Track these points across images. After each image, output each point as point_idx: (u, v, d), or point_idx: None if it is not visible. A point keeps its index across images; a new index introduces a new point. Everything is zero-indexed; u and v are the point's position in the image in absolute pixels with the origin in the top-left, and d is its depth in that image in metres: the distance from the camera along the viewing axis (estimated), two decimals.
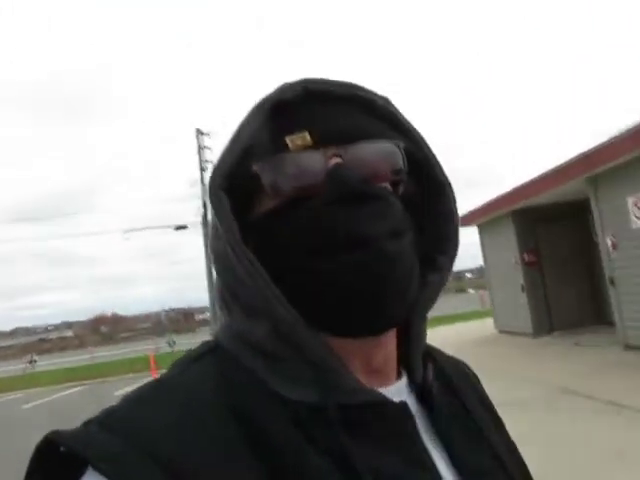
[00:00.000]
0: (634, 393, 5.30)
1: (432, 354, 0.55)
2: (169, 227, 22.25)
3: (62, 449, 0.40)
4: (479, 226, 12.59)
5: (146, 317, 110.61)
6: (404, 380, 0.50)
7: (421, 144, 0.53)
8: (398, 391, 0.48)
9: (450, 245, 0.53)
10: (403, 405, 0.46)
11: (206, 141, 21.03)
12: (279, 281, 0.45)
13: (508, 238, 11.15)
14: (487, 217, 11.70)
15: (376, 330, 0.45)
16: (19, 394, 16.87)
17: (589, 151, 7.60)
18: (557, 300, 10.63)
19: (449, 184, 0.54)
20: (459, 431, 0.50)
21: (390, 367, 0.49)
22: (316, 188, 0.45)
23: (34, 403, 13.50)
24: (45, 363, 32.24)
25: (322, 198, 0.45)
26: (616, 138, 7.00)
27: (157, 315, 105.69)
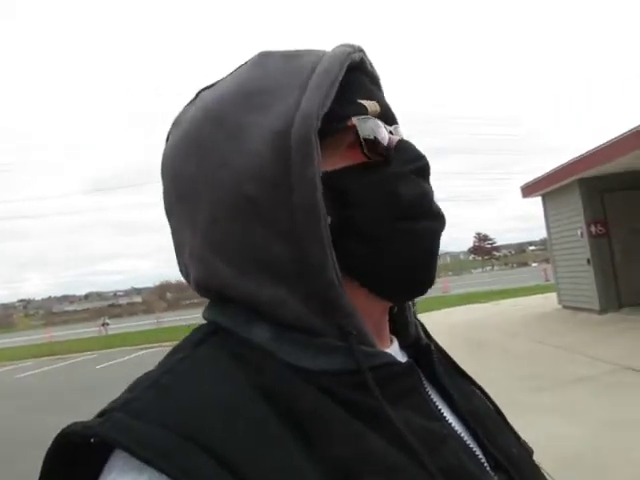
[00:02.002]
0: None
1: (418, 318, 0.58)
2: None
3: (93, 440, 0.37)
4: (543, 196, 12.06)
5: None
6: (396, 343, 0.53)
7: None
8: (395, 352, 0.50)
9: None
10: (410, 364, 0.48)
11: None
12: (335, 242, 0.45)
13: (574, 209, 10.63)
14: (552, 186, 11.17)
15: (425, 291, 0.50)
16: (94, 354, 18.06)
17: None
18: (626, 275, 10.09)
19: None
20: (453, 383, 0.53)
21: (387, 330, 0.52)
22: (387, 158, 0.48)
23: (108, 363, 14.44)
24: (116, 326, 34.21)
25: (399, 167, 0.47)
26: None
27: None
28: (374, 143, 0.47)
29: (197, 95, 0.52)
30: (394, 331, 0.54)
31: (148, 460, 0.36)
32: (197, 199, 0.47)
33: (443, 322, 11.56)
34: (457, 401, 0.51)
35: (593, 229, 10.22)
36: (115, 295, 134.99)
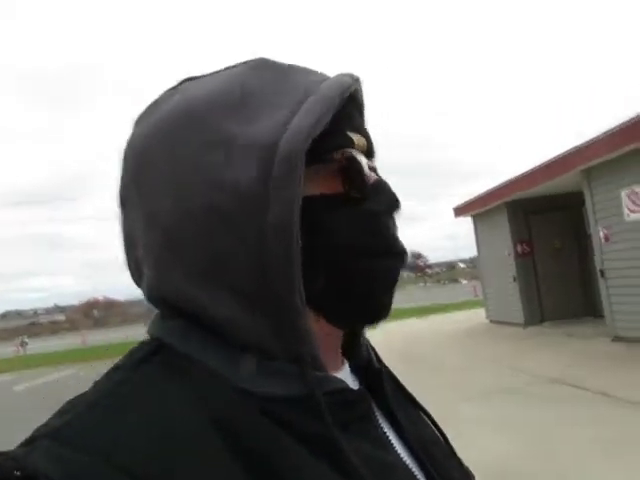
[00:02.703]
0: (621, 384, 5.38)
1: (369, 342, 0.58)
2: None
3: (17, 473, 0.33)
4: (474, 216, 12.64)
5: (140, 302, 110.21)
6: (347, 367, 0.52)
7: None
8: (346, 376, 0.49)
9: None
10: (362, 391, 0.48)
11: None
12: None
13: (502, 229, 11.21)
14: (482, 208, 11.75)
15: (381, 321, 0.49)
16: (8, 377, 16.87)
17: (584, 144, 7.63)
18: (548, 291, 10.72)
19: None
20: (401, 409, 0.52)
21: (340, 353, 0.52)
22: (365, 195, 0.47)
23: (26, 385, 13.52)
24: (37, 346, 32.19)
25: (375, 206, 0.47)
26: (610, 132, 7.02)
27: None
28: (356, 180, 0.46)
29: (180, 84, 0.49)
30: (345, 353, 0.53)
31: None
32: (162, 196, 0.43)
33: (378, 336, 11.70)
34: (405, 428, 0.50)
35: (519, 248, 10.80)
36: (36, 313, 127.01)
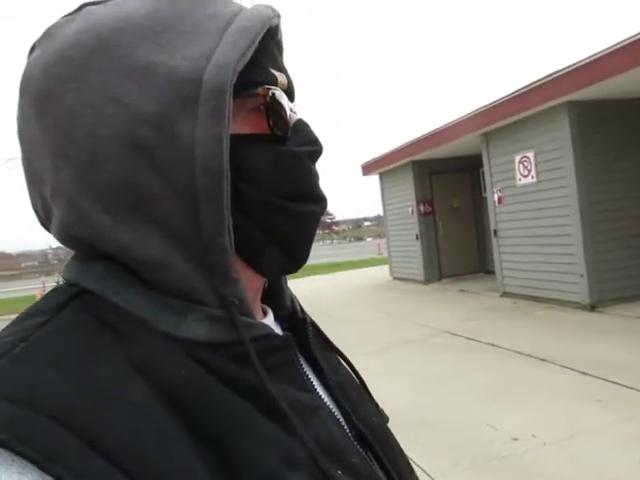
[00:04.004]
0: (505, 334, 5.90)
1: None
2: None
3: None
4: (380, 174, 12.95)
5: (31, 255, 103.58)
6: (271, 314, 0.52)
7: None
8: (270, 323, 0.50)
9: None
10: (288, 337, 0.47)
11: None
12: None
13: (407, 187, 11.60)
14: (389, 166, 12.04)
15: (299, 269, 0.50)
16: None
17: (484, 107, 7.99)
18: (447, 250, 11.37)
19: None
20: (323, 356, 0.54)
21: (260, 302, 0.52)
22: (287, 135, 0.46)
23: None
24: None
25: (297, 147, 0.46)
26: (508, 97, 7.40)
27: (43, 253, 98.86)
28: (281, 118, 0.45)
29: (80, 8, 0.44)
30: (268, 302, 0.54)
31: (5, 446, 0.30)
32: (72, 129, 0.40)
33: None
34: (327, 374, 0.52)
35: (422, 208, 11.27)
36: None
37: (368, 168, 12.97)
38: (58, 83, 0.40)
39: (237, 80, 0.41)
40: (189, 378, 0.38)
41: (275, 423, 0.40)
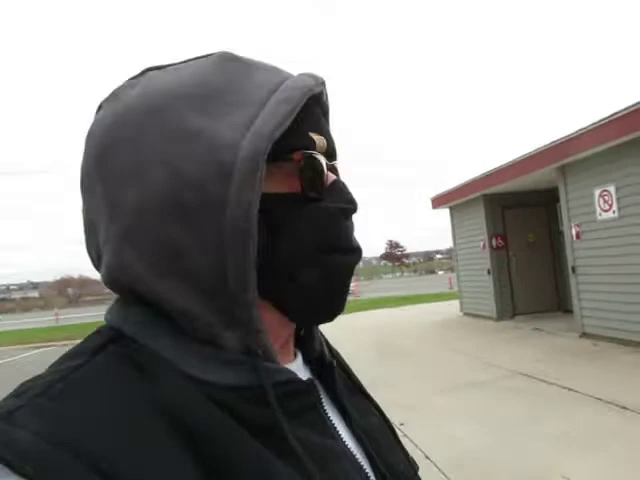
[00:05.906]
0: (584, 379, 5.51)
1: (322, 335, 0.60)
2: None
3: None
4: (451, 208, 12.72)
5: None
6: (300, 358, 0.54)
7: None
8: (298, 367, 0.52)
9: None
10: (311, 381, 0.49)
11: None
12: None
13: (478, 222, 11.32)
14: (459, 200, 11.83)
15: (337, 316, 0.51)
16: None
17: (559, 140, 7.71)
18: (521, 286, 10.90)
19: None
20: (351, 400, 0.55)
21: (292, 345, 0.54)
22: (322, 195, 0.49)
23: None
24: (8, 322, 31.61)
25: (333, 205, 0.49)
26: (585, 130, 7.11)
27: None
28: (315, 181, 0.48)
29: (142, 73, 0.49)
30: (299, 345, 0.55)
31: (30, 477, 0.33)
32: (124, 185, 0.44)
33: (353, 325, 11.81)
34: (354, 419, 0.52)
35: (494, 242, 10.93)
36: (8, 289, 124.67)
37: (437, 201, 12.80)
38: (116, 141, 0.45)
39: (276, 146, 0.44)
40: (208, 417, 0.40)
41: (290, 467, 0.41)
